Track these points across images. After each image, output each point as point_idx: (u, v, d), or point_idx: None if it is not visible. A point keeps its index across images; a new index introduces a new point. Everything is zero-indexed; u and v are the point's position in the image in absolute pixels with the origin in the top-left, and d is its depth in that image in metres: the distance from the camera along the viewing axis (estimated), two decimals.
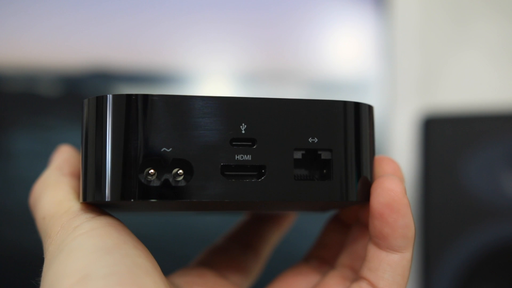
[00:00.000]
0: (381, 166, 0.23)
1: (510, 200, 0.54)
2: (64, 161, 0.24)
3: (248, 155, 0.21)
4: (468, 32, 0.93)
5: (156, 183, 0.21)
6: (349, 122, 0.22)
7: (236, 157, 0.21)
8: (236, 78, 0.66)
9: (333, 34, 0.70)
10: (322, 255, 0.26)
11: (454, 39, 0.93)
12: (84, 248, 0.19)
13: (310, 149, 0.22)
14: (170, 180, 0.21)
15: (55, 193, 0.23)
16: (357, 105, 0.22)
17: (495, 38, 0.92)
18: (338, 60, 0.70)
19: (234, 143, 0.21)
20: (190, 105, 0.21)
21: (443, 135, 0.57)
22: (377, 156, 0.23)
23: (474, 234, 0.55)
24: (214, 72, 0.66)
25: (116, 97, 0.21)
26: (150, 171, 0.20)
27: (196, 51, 0.65)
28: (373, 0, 0.71)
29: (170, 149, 0.21)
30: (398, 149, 0.90)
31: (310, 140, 0.22)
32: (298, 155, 0.22)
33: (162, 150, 0.20)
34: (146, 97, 0.21)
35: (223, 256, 0.27)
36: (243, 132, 0.21)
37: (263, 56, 0.67)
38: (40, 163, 0.68)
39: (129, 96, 0.20)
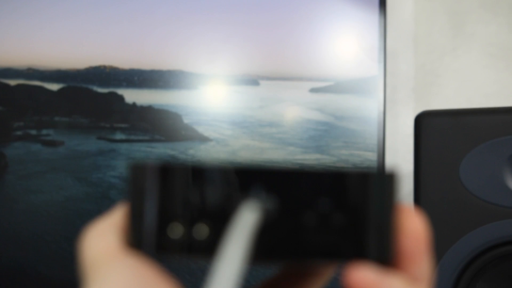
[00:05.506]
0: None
1: (510, 200, 0.54)
2: (115, 213, 0.26)
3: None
4: (466, 33, 0.93)
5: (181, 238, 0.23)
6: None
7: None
8: (237, 79, 0.66)
9: (332, 36, 0.70)
10: None
11: (453, 40, 0.93)
12: (115, 286, 0.21)
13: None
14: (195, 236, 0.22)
15: (100, 239, 0.25)
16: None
17: (494, 38, 0.92)
18: (338, 61, 0.70)
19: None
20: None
21: (443, 135, 0.57)
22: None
23: (474, 234, 0.55)
24: (216, 73, 0.66)
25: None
26: (175, 227, 0.22)
27: (198, 52, 0.65)
28: (373, 3, 0.71)
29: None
30: (397, 149, 0.90)
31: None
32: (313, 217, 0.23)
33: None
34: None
35: None
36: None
37: (264, 57, 0.67)
38: (40, 164, 0.68)
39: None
